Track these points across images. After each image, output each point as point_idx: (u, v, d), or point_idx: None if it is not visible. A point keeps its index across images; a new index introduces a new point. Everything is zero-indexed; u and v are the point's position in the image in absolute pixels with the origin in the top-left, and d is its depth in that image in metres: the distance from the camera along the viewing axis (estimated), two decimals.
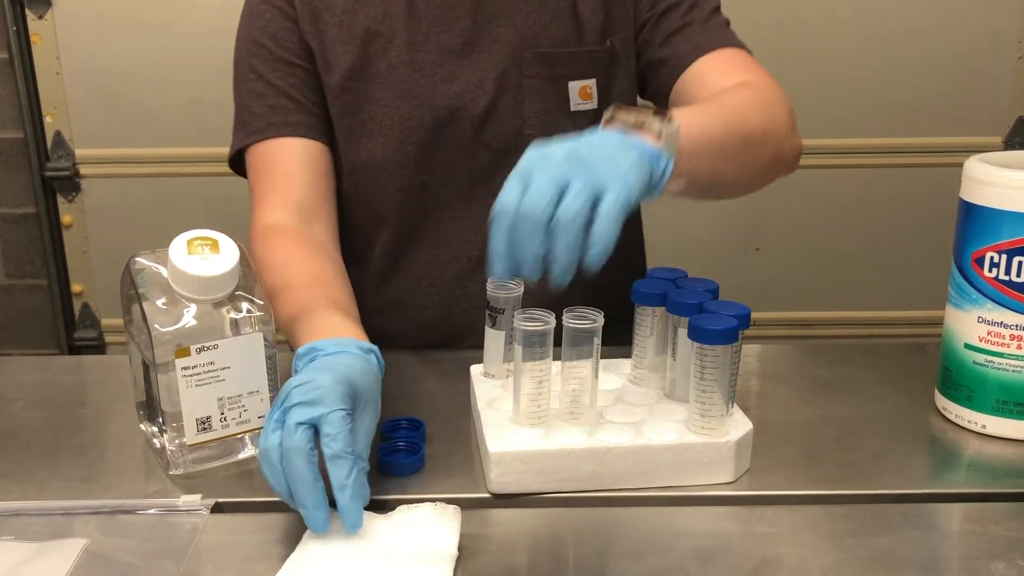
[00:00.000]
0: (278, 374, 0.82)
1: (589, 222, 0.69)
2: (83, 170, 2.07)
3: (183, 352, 0.76)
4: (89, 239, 2.12)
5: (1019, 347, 0.83)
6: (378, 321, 1.11)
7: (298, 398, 0.70)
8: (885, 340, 2.17)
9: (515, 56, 1.03)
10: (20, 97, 2.01)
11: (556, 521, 0.75)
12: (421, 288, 1.11)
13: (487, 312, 0.88)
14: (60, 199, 2.10)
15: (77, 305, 2.17)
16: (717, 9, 1.08)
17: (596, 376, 0.80)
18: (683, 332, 0.81)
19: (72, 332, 2.18)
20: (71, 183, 2.08)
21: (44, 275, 2.13)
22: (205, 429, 0.79)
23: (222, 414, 0.79)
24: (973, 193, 0.84)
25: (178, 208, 2.07)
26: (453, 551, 0.68)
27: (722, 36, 1.05)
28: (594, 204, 0.68)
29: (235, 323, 0.79)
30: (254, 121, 1.05)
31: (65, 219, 2.10)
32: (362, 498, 0.70)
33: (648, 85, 1.10)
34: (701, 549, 0.70)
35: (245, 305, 0.79)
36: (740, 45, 1.06)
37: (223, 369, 0.78)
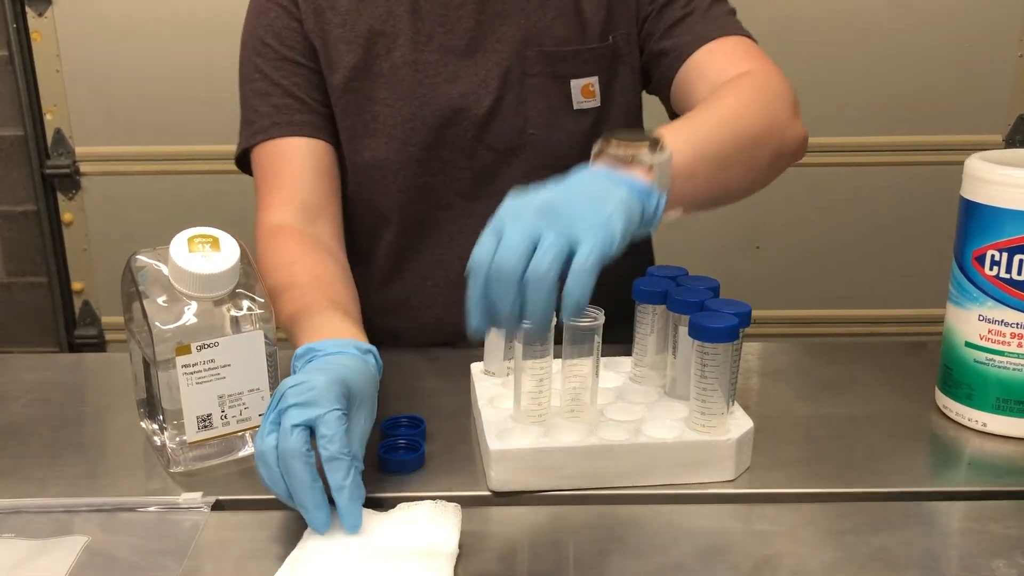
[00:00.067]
0: (278, 372, 0.82)
1: (565, 274, 0.66)
2: (83, 168, 2.07)
3: (184, 350, 0.76)
4: (89, 237, 2.12)
5: (1020, 345, 0.83)
6: (383, 320, 1.11)
7: (293, 399, 0.70)
8: (886, 338, 2.17)
9: (518, 55, 1.03)
10: (20, 95, 2.00)
11: (556, 519, 0.75)
12: (426, 288, 1.11)
13: None
14: (60, 197, 2.10)
15: (77, 303, 2.17)
16: None
17: (597, 374, 0.80)
18: (684, 330, 0.81)
19: (72, 330, 2.18)
20: (71, 181, 2.08)
21: (44, 273, 2.13)
22: (206, 427, 0.79)
23: (223, 412, 0.79)
24: (974, 191, 0.84)
25: (178, 206, 2.07)
26: (453, 549, 0.68)
27: (723, 25, 1.03)
28: (571, 255, 0.65)
29: (236, 321, 0.79)
30: (259, 120, 1.05)
31: (65, 217, 2.10)
32: (359, 498, 0.70)
33: (651, 78, 1.09)
34: (701, 547, 0.70)
35: (246, 303, 0.79)
36: (742, 32, 1.04)
37: (223, 367, 0.78)
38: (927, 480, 0.81)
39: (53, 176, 2.07)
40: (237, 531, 0.73)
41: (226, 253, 0.78)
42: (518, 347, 0.78)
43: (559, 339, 0.78)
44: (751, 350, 1.05)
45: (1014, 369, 0.84)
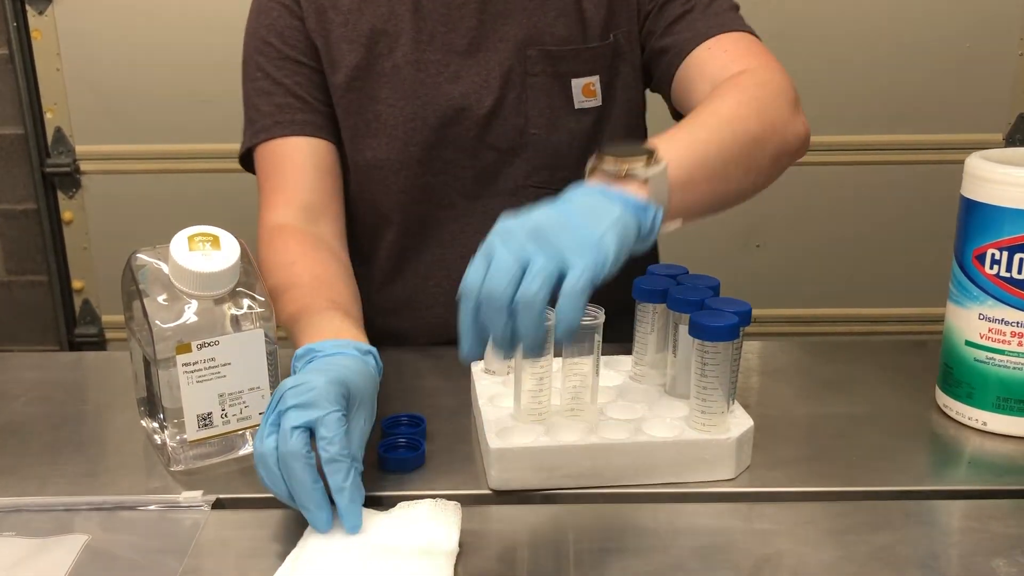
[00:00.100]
0: (279, 370, 0.82)
1: (556, 298, 0.65)
2: (83, 166, 2.07)
3: (184, 348, 0.76)
4: (90, 235, 2.12)
5: (1020, 344, 0.83)
6: (385, 320, 1.11)
7: (292, 400, 0.70)
8: (886, 337, 2.17)
9: (519, 54, 1.03)
10: (20, 93, 2.00)
11: (556, 518, 0.75)
12: (428, 288, 1.11)
13: None
14: (60, 195, 2.10)
15: (78, 301, 2.17)
16: None
17: (597, 373, 0.80)
18: (684, 329, 0.81)
19: (73, 328, 2.18)
20: (71, 179, 2.08)
21: (45, 271, 2.13)
22: (206, 425, 0.79)
23: (223, 410, 0.79)
24: (974, 190, 0.84)
25: (179, 204, 2.07)
26: (453, 547, 0.68)
27: (723, 21, 1.02)
28: (561, 278, 0.65)
29: (236, 319, 0.79)
30: (261, 120, 1.05)
31: (65, 215, 2.10)
32: (359, 499, 0.70)
33: (652, 75, 1.09)
34: (702, 546, 0.70)
35: (246, 301, 0.79)
36: (743, 28, 1.03)
37: (224, 365, 0.78)
38: (927, 479, 0.81)
39: (53, 175, 2.07)
40: (237, 529, 0.73)
41: (226, 252, 0.78)
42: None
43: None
44: (751, 349, 1.05)
45: (1014, 368, 0.84)
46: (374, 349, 0.81)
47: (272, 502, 0.73)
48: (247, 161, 1.09)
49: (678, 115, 1.07)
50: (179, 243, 0.77)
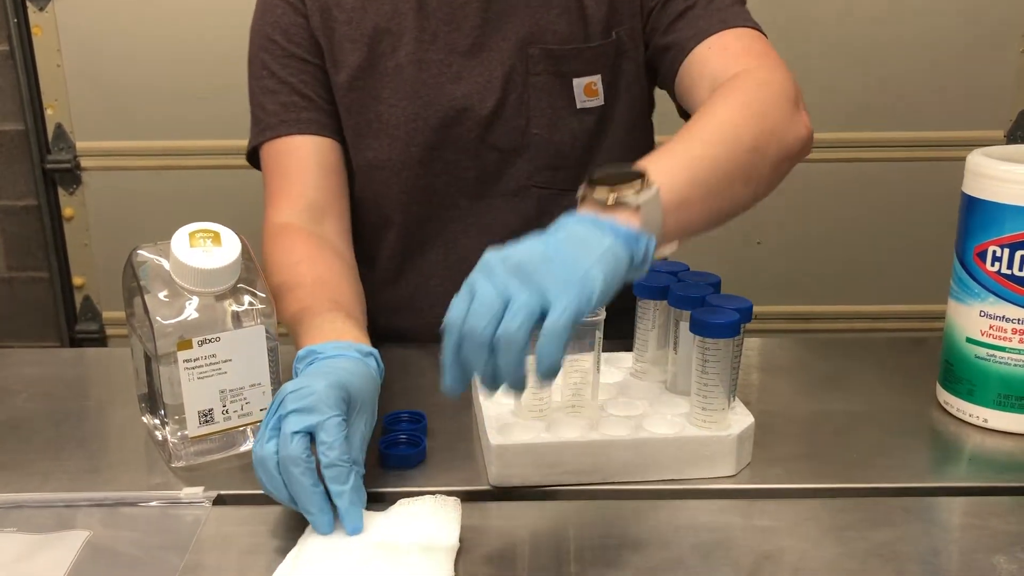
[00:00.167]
0: (280, 366, 0.82)
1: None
2: (84, 163, 2.07)
3: (185, 345, 0.76)
4: (90, 232, 2.12)
5: (1021, 341, 0.83)
6: (388, 320, 1.11)
7: (292, 405, 0.70)
8: (886, 334, 2.17)
9: (521, 53, 1.02)
10: (21, 89, 2.00)
11: (557, 514, 0.75)
12: (430, 288, 1.11)
13: None
14: (61, 191, 2.09)
15: (78, 298, 2.17)
16: None
17: (598, 369, 0.80)
18: (685, 326, 0.81)
19: (73, 325, 2.18)
20: (72, 175, 2.08)
21: (45, 268, 2.13)
22: (207, 421, 0.79)
23: (224, 407, 0.79)
24: (975, 187, 0.84)
25: (180, 201, 2.06)
26: (454, 543, 0.68)
27: (725, 18, 1.00)
28: (544, 315, 0.63)
29: (237, 316, 0.79)
30: (267, 118, 1.05)
31: (66, 212, 2.10)
32: (360, 502, 0.70)
33: (657, 73, 1.08)
34: (702, 542, 0.70)
35: (247, 298, 0.79)
36: (745, 24, 1.00)
37: (225, 362, 0.78)
38: (928, 476, 0.81)
39: (54, 171, 2.07)
40: (238, 526, 0.73)
41: (227, 248, 0.78)
42: None
43: None
44: (752, 346, 1.05)
45: (1015, 365, 0.84)
46: (375, 351, 0.81)
47: (272, 498, 0.73)
48: (254, 159, 1.09)
49: (685, 114, 1.06)
50: (180, 239, 0.77)
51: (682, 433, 0.78)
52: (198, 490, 0.76)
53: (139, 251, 0.79)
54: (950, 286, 0.89)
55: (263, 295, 0.80)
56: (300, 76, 1.04)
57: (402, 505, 0.72)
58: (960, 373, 0.87)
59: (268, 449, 0.69)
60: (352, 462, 0.70)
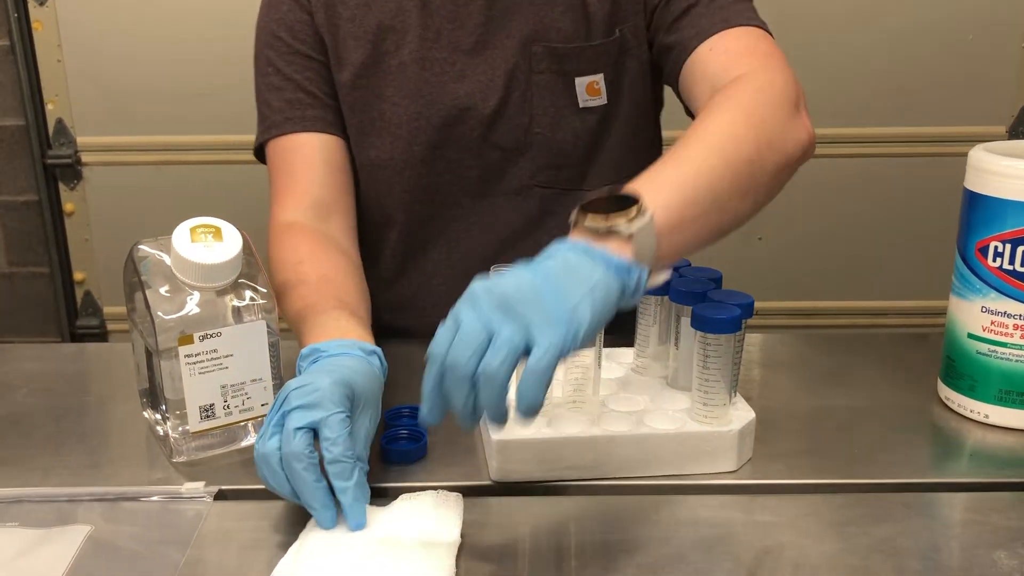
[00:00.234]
0: (281, 362, 0.82)
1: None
2: (85, 158, 2.07)
3: (186, 340, 0.76)
4: (91, 227, 2.12)
5: (1022, 337, 0.83)
6: (391, 318, 1.11)
7: (296, 401, 0.70)
8: (888, 329, 2.17)
9: (524, 51, 1.02)
10: (21, 84, 2.00)
11: (558, 509, 0.75)
12: (433, 287, 1.10)
13: None
14: (62, 187, 2.10)
15: (79, 293, 2.17)
16: None
17: (599, 365, 0.80)
18: (686, 321, 0.81)
19: (74, 320, 2.18)
20: (73, 171, 2.08)
21: (46, 263, 2.13)
22: (208, 417, 0.79)
23: (225, 402, 0.79)
24: (977, 182, 0.84)
25: (181, 196, 2.06)
26: (455, 538, 0.68)
27: (727, 16, 0.98)
28: (528, 350, 0.62)
29: (238, 311, 0.79)
30: (272, 115, 1.05)
31: (67, 207, 2.10)
32: (364, 498, 0.70)
33: (661, 71, 1.07)
34: (703, 538, 0.70)
35: (248, 293, 0.79)
36: (747, 22, 0.98)
37: (226, 357, 0.78)
38: (929, 471, 0.81)
39: (55, 166, 2.07)
40: (239, 521, 0.73)
41: (228, 243, 0.78)
42: None
43: None
44: (753, 341, 1.05)
45: (1017, 361, 0.84)
46: (379, 349, 0.81)
47: (274, 493, 0.73)
48: (261, 155, 1.09)
49: (689, 112, 1.05)
50: (181, 234, 0.77)
51: (683, 429, 0.78)
52: (199, 485, 0.76)
53: (140, 246, 0.79)
54: (952, 282, 0.89)
55: (264, 290, 0.80)
56: (305, 73, 1.04)
57: (404, 500, 0.73)
58: (962, 369, 0.87)
59: (271, 445, 0.69)
60: (356, 458, 0.70)
